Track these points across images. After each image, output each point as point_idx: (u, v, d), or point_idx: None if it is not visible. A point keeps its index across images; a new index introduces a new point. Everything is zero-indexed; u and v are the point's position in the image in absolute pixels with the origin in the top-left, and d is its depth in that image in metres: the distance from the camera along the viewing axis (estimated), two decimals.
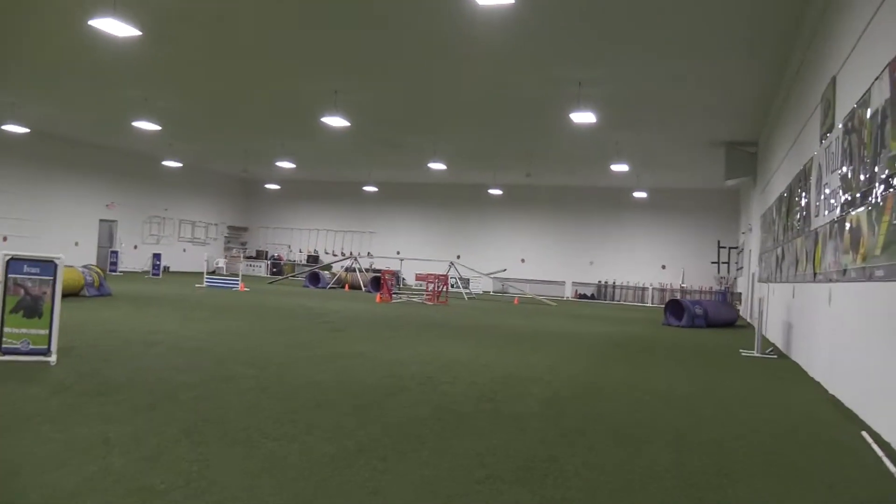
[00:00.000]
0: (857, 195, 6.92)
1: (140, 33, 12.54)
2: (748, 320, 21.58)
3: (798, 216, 11.37)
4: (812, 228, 9.69)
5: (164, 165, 32.46)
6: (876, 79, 6.37)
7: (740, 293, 24.87)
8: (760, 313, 12.05)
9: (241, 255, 41.21)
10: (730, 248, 32.50)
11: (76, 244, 31.25)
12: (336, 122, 18.38)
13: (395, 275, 32.51)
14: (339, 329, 12.00)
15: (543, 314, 20.24)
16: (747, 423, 6.11)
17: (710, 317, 18.29)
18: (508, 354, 9.91)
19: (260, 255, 41.14)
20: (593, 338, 13.43)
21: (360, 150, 27.11)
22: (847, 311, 7.40)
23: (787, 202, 12.83)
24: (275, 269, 38.97)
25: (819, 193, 9.29)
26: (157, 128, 21.71)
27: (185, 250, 37.72)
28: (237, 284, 22.61)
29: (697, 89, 16.44)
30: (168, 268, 35.78)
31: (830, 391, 7.94)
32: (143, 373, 6.69)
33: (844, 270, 7.32)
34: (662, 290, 33.22)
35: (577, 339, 13.06)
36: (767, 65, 14.07)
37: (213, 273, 38.33)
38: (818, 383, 8.70)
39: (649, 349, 12.00)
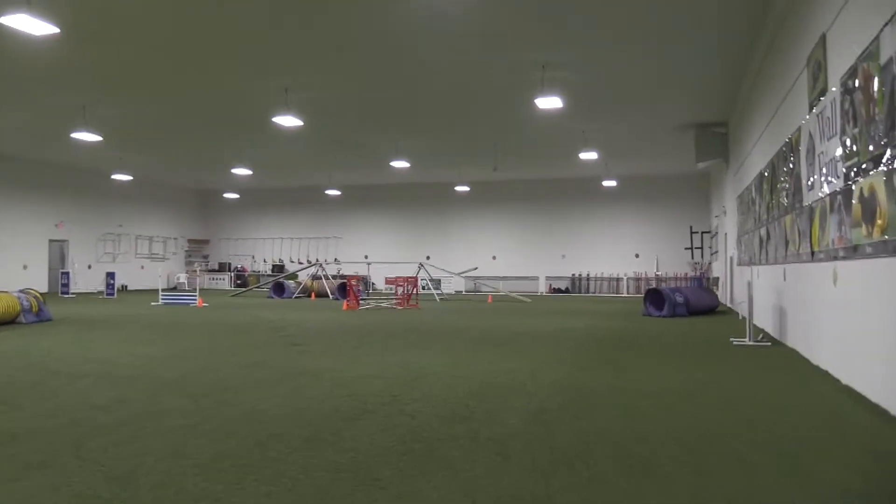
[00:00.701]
0: (866, 160, 6.11)
1: (58, 30, 11.38)
2: (728, 305, 20.93)
3: (785, 193, 10.61)
4: (806, 204, 8.90)
5: (114, 179, 31.01)
6: (886, 24, 5.55)
7: (717, 278, 24.24)
8: (750, 298, 11.26)
9: (203, 269, 39.85)
10: (702, 232, 32.01)
11: (25, 267, 29.79)
12: (288, 121, 17.32)
13: (364, 280, 31.48)
14: (297, 343, 10.98)
15: (518, 312, 19.38)
16: (766, 428, 5.24)
17: (692, 304, 17.57)
18: (484, 360, 8.98)
19: (223, 268, 39.77)
20: (573, 335, 12.56)
21: (318, 153, 26.04)
22: (861, 292, 6.58)
23: (770, 180, 12.08)
24: (239, 282, 37.67)
25: (812, 165, 8.50)
26: (98, 138, 20.38)
27: (143, 267, 36.27)
28: (195, 300, 21.40)
29: (664, 70, 15.71)
30: (126, 286, 34.36)
31: (844, 381, 7.13)
32: (54, 415, 5.64)
33: (855, 247, 6.51)
34: (637, 280, 32.61)
35: (557, 337, 12.18)
36: (738, 40, 13.35)
37: (173, 289, 37.04)
38: (826, 372, 7.89)
39: (634, 344, 11.16)
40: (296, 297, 26.99)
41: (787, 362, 9.03)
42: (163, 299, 22.27)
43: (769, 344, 11.08)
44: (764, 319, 13.41)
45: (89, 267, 32.65)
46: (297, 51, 13.85)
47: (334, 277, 29.62)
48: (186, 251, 39.80)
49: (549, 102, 15.30)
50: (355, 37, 13.14)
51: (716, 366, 8.69)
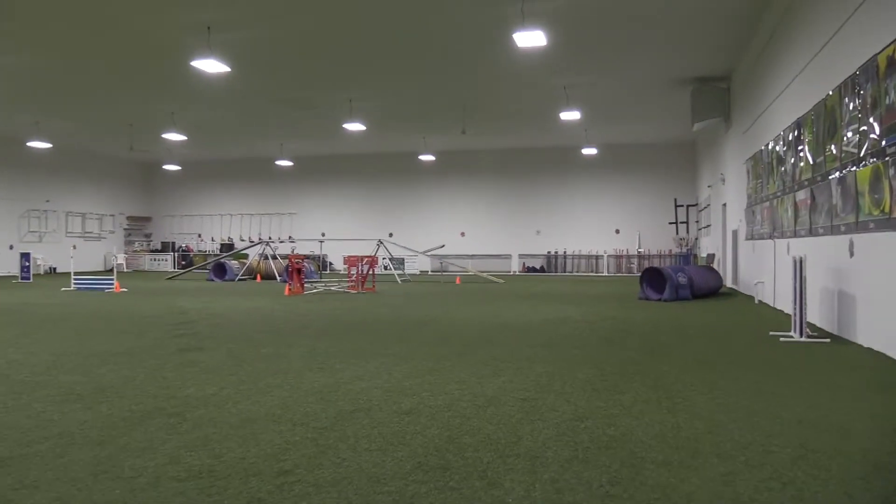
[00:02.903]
0: None
1: None
2: (731, 286, 18.30)
3: (855, 137, 7.84)
4: None
5: (33, 148, 27.41)
6: None
7: (712, 255, 21.65)
8: (800, 279, 8.49)
9: (143, 249, 36.39)
10: (688, 206, 29.46)
11: None
12: (212, 66, 14.12)
13: (318, 260, 28.43)
14: (192, 348, 7.97)
15: (492, 296, 16.54)
16: None
17: (696, 285, 14.88)
18: (453, 378, 6.09)
19: (166, 248, 36.32)
20: (570, 329, 9.72)
21: (260, 115, 22.77)
22: None
23: (822, 126, 9.31)
24: (184, 262, 34.32)
25: None
26: None
27: (75, 247, 32.57)
28: (111, 285, 18.20)
29: (663, 10, 12.95)
30: (54, 269, 30.87)
31: None
32: None
33: None
34: (618, 257, 30.00)
35: (549, 333, 9.32)
36: None
37: (110, 271, 33.59)
38: None
39: (655, 344, 8.35)
40: (239, 280, 23.85)
41: (885, 372, 6.29)
42: (75, 284, 19.01)
43: (827, 340, 8.37)
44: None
45: (11, 247, 29.02)
46: None
47: (282, 258, 26.46)
48: (126, 229, 36.23)
49: (530, 38, 12.34)
50: None
51: (787, 382, 5.90)
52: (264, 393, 5.44)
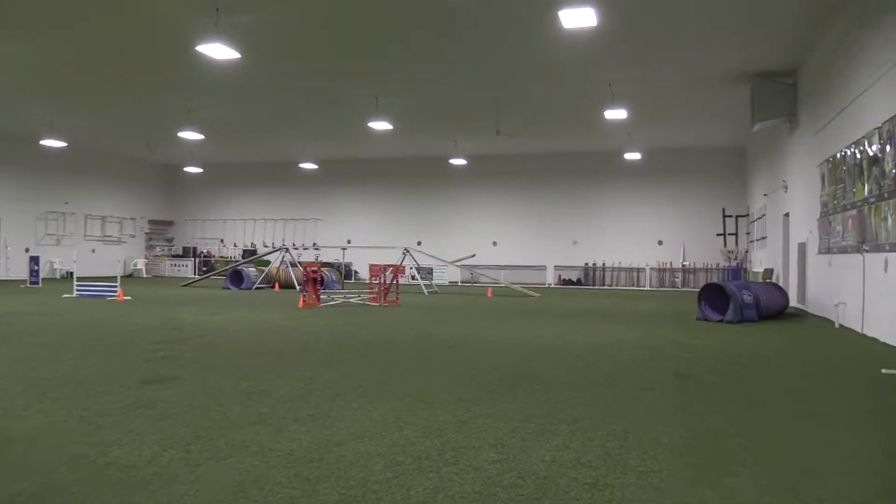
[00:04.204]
0: None
1: None
2: (797, 306, 16.36)
3: None
4: None
5: (50, 148, 26.37)
6: None
7: (770, 269, 19.70)
8: None
9: (165, 254, 35.30)
10: (737, 216, 27.44)
11: None
12: (218, 51, 12.66)
13: (343, 268, 26.98)
14: (164, 378, 6.42)
15: (528, 312, 14.83)
16: None
17: (763, 305, 13.03)
18: (484, 439, 4.43)
19: (187, 253, 35.16)
20: (627, 360, 7.99)
21: (279, 112, 21.33)
22: None
23: None
24: (205, 268, 33.08)
25: None
26: None
27: (94, 251, 31.62)
28: (115, 292, 16.85)
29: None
30: (70, 273, 29.76)
31: None
32: None
33: None
34: (661, 270, 28.05)
35: (603, 366, 7.60)
36: None
37: (129, 276, 32.52)
38: None
39: (739, 384, 6.63)
40: (256, 288, 22.44)
41: None
42: (77, 291, 17.72)
43: None
44: None
45: (27, 250, 27.93)
46: None
47: (301, 265, 25.02)
48: (147, 233, 35.14)
49: (578, 18, 10.69)
50: None
51: None
52: (221, 460, 3.84)
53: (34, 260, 22.86)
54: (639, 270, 28.25)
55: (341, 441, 4.26)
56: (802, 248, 15.72)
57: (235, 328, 10.73)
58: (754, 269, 23.65)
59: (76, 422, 4.68)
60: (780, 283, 17.82)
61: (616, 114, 18.53)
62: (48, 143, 24.45)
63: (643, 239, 28.43)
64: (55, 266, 29.28)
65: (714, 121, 21.82)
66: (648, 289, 27.28)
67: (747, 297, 12.72)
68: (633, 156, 25.68)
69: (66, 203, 30.27)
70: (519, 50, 14.72)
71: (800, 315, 14.50)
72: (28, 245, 28.29)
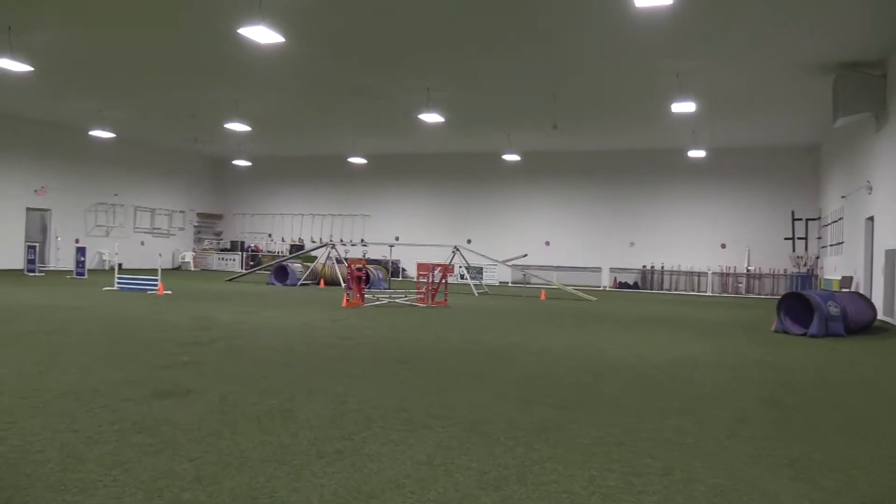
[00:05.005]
0: None
1: None
2: (885, 319, 14.92)
3: None
4: None
5: (96, 139, 26.23)
6: None
7: (849, 277, 18.22)
8: None
9: (213, 248, 35.10)
10: (807, 219, 25.81)
11: None
12: (261, 34, 11.91)
13: (390, 266, 26.24)
14: (179, 391, 5.62)
15: (586, 317, 13.77)
16: None
17: (851, 318, 11.74)
18: (555, 493, 3.47)
19: (235, 247, 34.89)
20: (706, 381, 6.92)
21: (326, 103, 20.59)
22: None
23: None
24: (252, 263, 32.74)
25: None
26: (28, 68, 15.36)
27: (143, 243, 31.55)
28: (155, 286, 16.33)
29: None
30: (120, 265, 29.61)
31: None
32: None
33: None
34: (724, 275, 26.59)
35: (681, 389, 6.54)
36: None
37: (177, 269, 32.37)
38: None
39: (854, 418, 5.54)
40: (301, 285, 21.80)
41: None
42: (118, 284, 17.30)
43: None
44: None
45: (76, 241, 27.89)
46: None
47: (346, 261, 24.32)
48: (196, 226, 34.99)
49: None
50: None
51: None
52: None
53: (80, 251, 22.63)
54: (700, 275, 26.83)
55: (374, 492, 3.35)
56: (891, 255, 14.29)
57: (270, 329, 9.95)
58: (827, 277, 22.09)
59: (56, 451, 3.87)
60: (862, 293, 16.36)
61: (683, 107, 17.28)
62: (97, 133, 24.23)
63: (705, 241, 27.01)
64: (104, 257, 29.23)
65: (788, 116, 20.41)
66: (710, 294, 25.85)
67: (833, 310, 11.45)
68: (696, 153, 24.32)
69: (116, 195, 30.22)
70: (584, 35, 13.67)
71: (888, 329, 13.13)
72: (78, 236, 28.26)
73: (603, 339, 10.14)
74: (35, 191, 26.76)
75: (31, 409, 4.81)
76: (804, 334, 11.33)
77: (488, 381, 6.49)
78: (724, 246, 26.86)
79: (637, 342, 9.83)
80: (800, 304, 12.01)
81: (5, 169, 25.56)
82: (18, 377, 5.90)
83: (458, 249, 21.68)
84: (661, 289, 27.21)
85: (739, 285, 26.30)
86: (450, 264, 18.54)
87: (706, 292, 26.27)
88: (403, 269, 29.97)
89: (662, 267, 27.44)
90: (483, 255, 23.49)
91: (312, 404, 5.21)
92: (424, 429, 4.59)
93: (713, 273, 26.55)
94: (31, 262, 23.30)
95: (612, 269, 27.95)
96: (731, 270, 26.54)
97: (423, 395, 5.70)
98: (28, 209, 26.60)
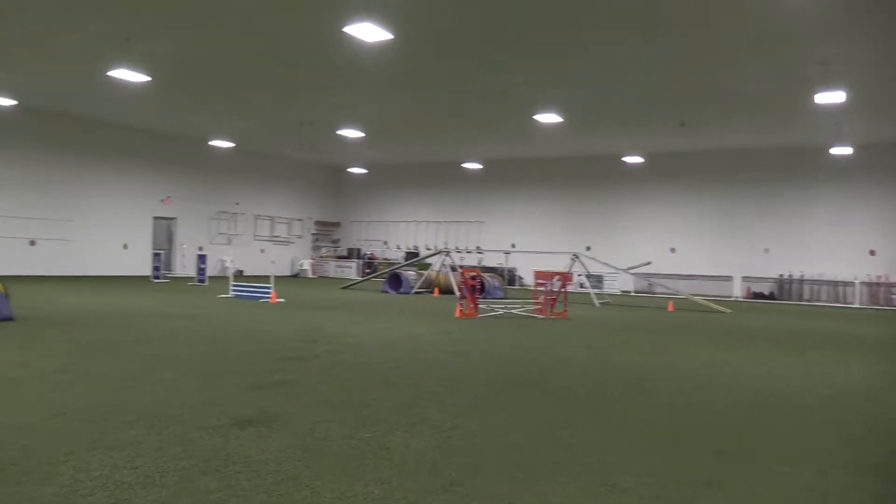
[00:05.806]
0: None
1: None
2: None
3: None
4: None
5: (216, 149, 26.84)
6: None
7: None
8: None
9: (330, 255, 35.41)
10: None
11: (125, 247, 26.28)
12: (367, 32, 11.36)
13: (507, 274, 25.36)
14: (265, 419, 4.98)
15: (722, 333, 12.36)
16: None
17: None
18: None
19: (351, 255, 35.06)
20: None
21: (441, 108, 19.96)
22: None
23: None
24: (368, 270, 32.72)
25: None
26: (145, 78, 15.57)
27: (263, 251, 32.19)
28: (268, 294, 16.18)
29: None
30: (242, 272, 30.30)
31: None
32: None
33: None
34: (873, 286, 24.00)
35: (867, 433, 5.31)
36: None
37: (295, 276, 32.81)
38: None
39: None
40: (415, 293, 21.29)
41: None
42: (233, 291, 17.29)
43: None
44: None
45: (199, 249, 28.70)
46: None
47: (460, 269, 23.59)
48: (314, 234, 35.43)
49: None
50: None
51: None
52: None
53: (201, 258, 23.13)
54: (845, 284, 24.33)
55: None
56: None
57: (378, 342, 9.30)
58: None
59: (106, 495, 3.25)
60: None
61: (830, 97, 15.47)
62: (216, 143, 24.75)
63: (850, 247, 24.48)
64: (226, 265, 29.94)
65: None
66: (858, 307, 23.39)
67: None
68: (842, 151, 22.04)
69: (237, 203, 30.94)
70: (719, 19, 12.31)
71: None
72: (201, 244, 29.08)
73: (749, 361, 8.85)
74: (161, 200, 27.71)
75: (95, 436, 4.27)
76: None
77: (620, 416, 5.49)
78: (873, 252, 24.25)
79: (792, 367, 8.48)
80: None
81: (134, 179, 26.59)
82: (98, 394, 5.46)
83: (577, 256, 20.52)
84: (801, 300, 24.89)
85: (893, 296, 23.65)
86: (569, 272, 17.44)
87: (853, 304, 23.79)
88: (520, 278, 29.00)
89: (801, 276, 25.11)
90: (604, 263, 22.19)
91: (413, 439, 4.42)
92: (541, 480, 3.70)
93: (861, 283, 24.02)
94: (156, 269, 24.03)
95: (745, 279, 25.87)
96: (883, 279, 23.92)
97: (541, 431, 4.80)
98: (155, 218, 27.56)
